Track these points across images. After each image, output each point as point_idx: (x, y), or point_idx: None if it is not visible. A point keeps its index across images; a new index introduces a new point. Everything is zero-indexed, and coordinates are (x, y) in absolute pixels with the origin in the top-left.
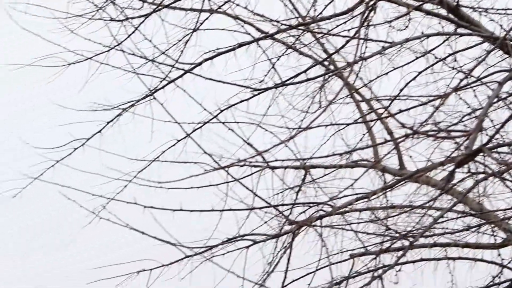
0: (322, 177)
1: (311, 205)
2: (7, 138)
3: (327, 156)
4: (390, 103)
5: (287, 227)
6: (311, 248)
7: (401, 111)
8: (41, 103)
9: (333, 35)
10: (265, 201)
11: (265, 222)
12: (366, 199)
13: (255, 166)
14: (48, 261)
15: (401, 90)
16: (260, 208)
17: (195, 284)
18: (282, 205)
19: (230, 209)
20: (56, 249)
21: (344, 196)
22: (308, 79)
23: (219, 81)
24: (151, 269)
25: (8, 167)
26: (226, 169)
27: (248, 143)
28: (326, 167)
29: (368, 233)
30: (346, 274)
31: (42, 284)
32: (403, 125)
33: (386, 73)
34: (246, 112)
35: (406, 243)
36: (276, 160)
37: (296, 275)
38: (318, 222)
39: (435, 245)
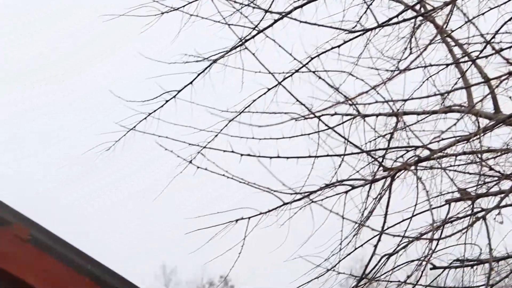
0: (415, 123)
1: (409, 149)
2: (100, 92)
3: (427, 97)
4: (486, 45)
5: (383, 173)
6: (409, 192)
7: (502, 49)
8: (131, 56)
9: None
10: (359, 147)
11: (361, 169)
12: (466, 141)
13: (346, 115)
14: (145, 213)
15: (497, 31)
16: (356, 154)
17: (293, 231)
18: (377, 150)
19: (327, 155)
20: (152, 201)
21: (442, 139)
22: (404, 20)
23: (314, 24)
24: (249, 217)
25: (102, 121)
26: (319, 116)
27: (339, 91)
28: (418, 113)
29: (470, 173)
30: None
31: (141, 233)
32: (508, 61)
33: (482, 14)
34: (339, 54)
35: (504, 187)
36: (372, 103)
37: (392, 219)
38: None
39: None
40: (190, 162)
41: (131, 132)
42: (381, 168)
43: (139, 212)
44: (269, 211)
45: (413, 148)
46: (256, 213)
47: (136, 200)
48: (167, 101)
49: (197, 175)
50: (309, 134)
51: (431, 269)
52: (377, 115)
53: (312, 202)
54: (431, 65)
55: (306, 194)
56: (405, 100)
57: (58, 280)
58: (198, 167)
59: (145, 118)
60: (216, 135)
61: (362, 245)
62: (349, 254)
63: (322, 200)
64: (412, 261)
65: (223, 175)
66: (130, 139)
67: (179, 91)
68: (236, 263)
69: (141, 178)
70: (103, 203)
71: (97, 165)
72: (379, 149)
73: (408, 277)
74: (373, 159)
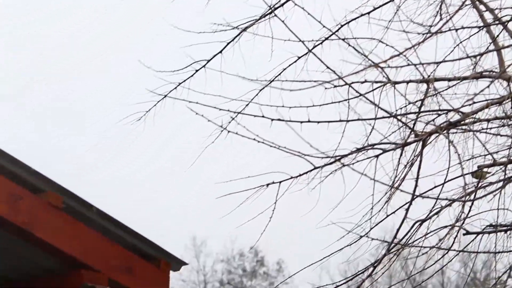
0: (445, 89)
1: (440, 113)
2: (130, 62)
3: (459, 59)
4: None
5: (414, 137)
6: (440, 156)
7: None
8: (160, 27)
9: None
10: (389, 113)
11: (392, 133)
12: (498, 104)
13: (377, 82)
14: (175, 184)
15: None
16: (387, 117)
17: (324, 196)
18: (409, 113)
19: (358, 119)
20: (183, 168)
21: (474, 102)
22: None
23: None
24: (280, 182)
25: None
26: (350, 83)
27: (369, 59)
28: (449, 80)
29: (501, 135)
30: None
31: (171, 204)
32: None
33: None
34: (369, 18)
35: None
36: (403, 66)
37: (423, 183)
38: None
39: None
40: (225, 128)
41: (160, 104)
42: (412, 132)
43: (169, 183)
44: (300, 175)
45: (444, 111)
46: (287, 177)
47: (166, 172)
48: (196, 70)
49: (227, 141)
50: (339, 101)
51: (464, 234)
52: (407, 82)
53: (343, 166)
54: (462, 28)
55: (337, 158)
56: (437, 63)
57: (92, 248)
58: (229, 131)
59: (175, 88)
60: (247, 104)
61: (394, 212)
62: (382, 221)
63: (353, 164)
64: (445, 226)
65: (254, 139)
66: (160, 110)
67: (208, 61)
68: (266, 233)
69: (171, 149)
70: (134, 176)
71: (129, 137)
72: (410, 113)
73: (440, 240)
74: (403, 124)
